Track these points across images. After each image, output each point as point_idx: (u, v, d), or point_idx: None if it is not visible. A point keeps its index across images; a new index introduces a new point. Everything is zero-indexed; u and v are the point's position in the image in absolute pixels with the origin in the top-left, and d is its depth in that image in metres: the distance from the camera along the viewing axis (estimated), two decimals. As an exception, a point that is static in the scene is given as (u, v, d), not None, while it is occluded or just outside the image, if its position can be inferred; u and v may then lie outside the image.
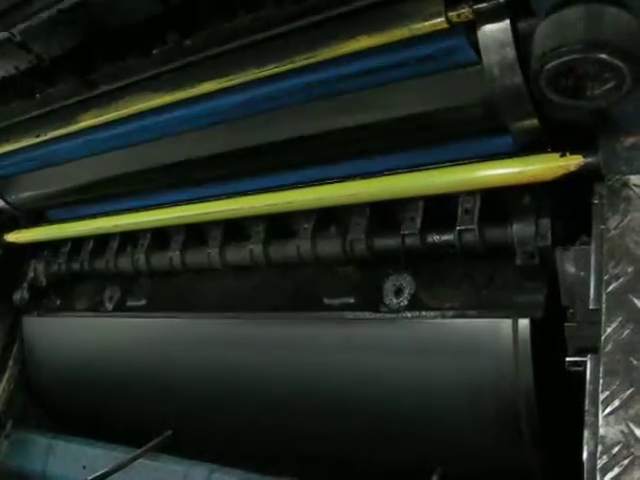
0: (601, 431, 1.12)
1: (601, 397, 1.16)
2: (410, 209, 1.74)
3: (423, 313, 1.74)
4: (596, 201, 1.42)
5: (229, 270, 2.15)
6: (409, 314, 1.76)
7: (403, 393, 1.76)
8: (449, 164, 1.65)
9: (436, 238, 1.70)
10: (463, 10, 1.31)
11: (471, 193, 1.64)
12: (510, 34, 1.32)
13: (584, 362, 1.28)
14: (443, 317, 1.69)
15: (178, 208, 2.18)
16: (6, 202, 2.58)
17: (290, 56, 1.54)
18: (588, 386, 1.23)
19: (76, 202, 2.49)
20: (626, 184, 1.36)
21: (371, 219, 1.81)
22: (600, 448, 1.11)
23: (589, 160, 1.43)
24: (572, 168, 1.45)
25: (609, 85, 1.19)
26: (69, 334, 2.62)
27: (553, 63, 1.16)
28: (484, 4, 1.29)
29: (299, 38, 1.53)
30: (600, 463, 1.10)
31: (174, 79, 1.73)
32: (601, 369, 1.19)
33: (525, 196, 1.59)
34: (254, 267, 2.06)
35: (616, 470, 1.08)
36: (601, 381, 1.18)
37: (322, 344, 1.92)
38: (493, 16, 1.32)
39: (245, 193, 2.02)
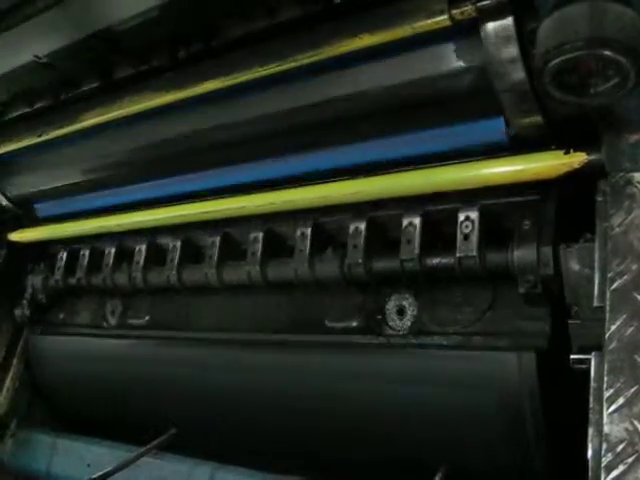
0: (605, 429, 1.12)
1: (605, 395, 1.16)
2: (407, 232, 1.70)
3: (427, 340, 1.74)
4: (600, 198, 1.42)
5: (228, 288, 2.12)
6: (414, 340, 1.76)
7: (405, 418, 1.76)
8: (450, 162, 1.64)
9: (435, 262, 1.68)
10: (466, 7, 1.31)
11: (468, 217, 1.61)
12: (513, 31, 1.32)
13: (588, 360, 1.28)
14: (448, 344, 1.70)
15: (178, 207, 2.18)
16: (9, 200, 2.59)
17: (293, 54, 1.54)
18: (592, 384, 1.23)
19: (78, 198, 2.48)
20: (630, 181, 1.36)
21: (368, 240, 1.78)
22: (605, 446, 1.11)
23: (593, 157, 1.43)
24: (576, 165, 1.45)
25: (613, 82, 1.18)
26: (73, 349, 2.63)
27: (556, 60, 1.15)
28: (487, 1, 1.29)
29: (302, 37, 1.52)
30: (605, 461, 1.10)
31: (177, 78, 1.73)
32: (605, 367, 1.19)
33: (525, 220, 1.56)
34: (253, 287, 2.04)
35: (621, 468, 1.08)
36: (605, 379, 1.18)
37: (325, 368, 1.92)
38: (496, 13, 1.31)
39: (244, 188, 2.02)
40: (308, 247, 1.88)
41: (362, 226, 1.79)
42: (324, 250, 1.87)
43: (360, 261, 1.77)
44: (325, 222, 1.91)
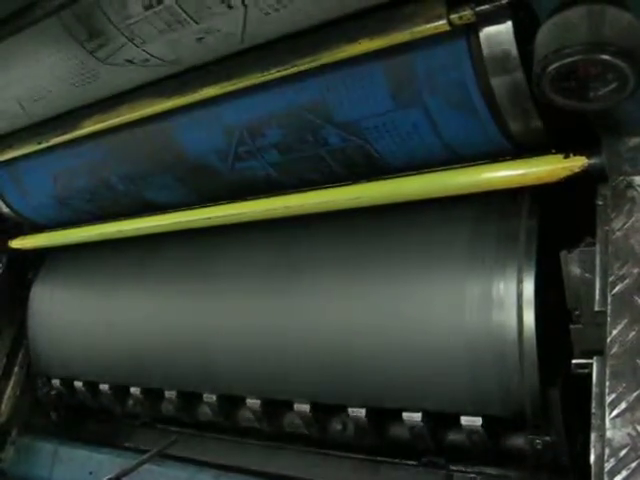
0: (608, 434, 1.12)
1: (608, 400, 1.15)
2: (414, 433, 1.75)
3: None
4: (600, 202, 1.42)
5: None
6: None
7: None
8: (452, 167, 1.64)
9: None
10: (465, 12, 1.30)
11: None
12: (512, 36, 1.32)
13: (590, 364, 1.28)
14: None
15: (179, 213, 2.18)
16: (11, 209, 2.59)
17: (292, 60, 1.54)
18: (594, 389, 1.23)
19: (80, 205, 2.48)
20: (630, 185, 1.36)
21: (370, 432, 1.86)
22: (607, 451, 1.10)
23: (593, 161, 1.43)
24: (576, 169, 1.45)
25: (612, 86, 1.18)
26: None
27: (555, 65, 1.15)
28: (486, 6, 1.29)
29: (301, 42, 1.52)
30: (608, 466, 1.09)
31: (176, 84, 1.73)
32: (607, 371, 1.18)
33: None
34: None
35: (624, 473, 1.08)
36: (607, 383, 1.17)
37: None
38: (495, 18, 1.32)
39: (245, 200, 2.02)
40: (315, 431, 1.98)
41: (361, 416, 1.83)
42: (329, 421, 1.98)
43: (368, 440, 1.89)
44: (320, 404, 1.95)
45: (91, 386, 2.53)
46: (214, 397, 2.15)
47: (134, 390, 2.36)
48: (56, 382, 2.65)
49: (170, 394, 2.27)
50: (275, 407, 2.06)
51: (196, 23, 1.44)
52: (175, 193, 2.16)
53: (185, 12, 1.42)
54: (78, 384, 2.56)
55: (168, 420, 2.40)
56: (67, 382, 2.62)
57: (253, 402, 2.05)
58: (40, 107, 1.94)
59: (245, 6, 1.38)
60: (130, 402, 2.44)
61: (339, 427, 1.95)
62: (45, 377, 2.71)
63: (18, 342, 2.81)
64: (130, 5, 1.44)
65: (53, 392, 2.69)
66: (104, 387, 2.45)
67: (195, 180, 2.05)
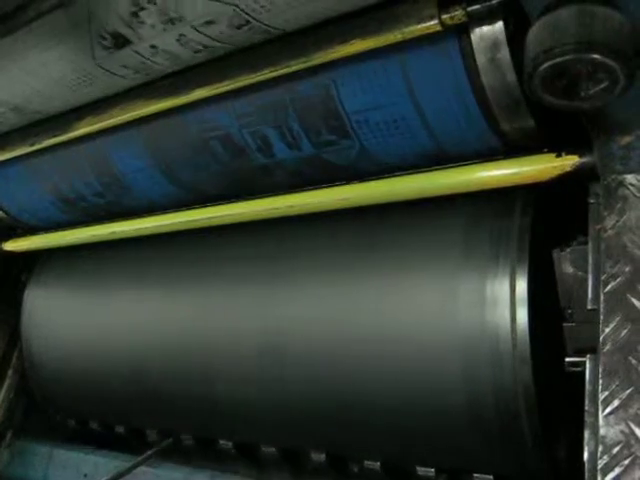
0: (601, 431, 1.12)
1: (601, 397, 1.16)
2: None
3: None
4: (592, 201, 1.43)
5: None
6: None
7: None
8: (444, 166, 1.64)
9: None
10: (456, 12, 1.31)
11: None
12: (504, 36, 1.33)
13: (583, 362, 1.28)
14: None
15: (178, 214, 2.17)
16: (3, 211, 2.58)
17: (284, 61, 1.54)
18: (587, 386, 1.23)
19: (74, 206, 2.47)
20: (622, 183, 1.36)
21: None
22: (601, 448, 1.11)
23: (585, 160, 1.44)
24: (568, 168, 1.46)
25: (603, 85, 1.18)
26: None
27: (546, 64, 1.16)
28: (477, 6, 1.30)
29: (293, 42, 1.52)
30: (601, 463, 1.10)
31: (168, 85, 1.73)
32: (600, 369, 1.19)
33: None
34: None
35: (617, 470, 1.08)
36: (600, 381, 1.18)
37: None
38: (486, 18, 1.32)
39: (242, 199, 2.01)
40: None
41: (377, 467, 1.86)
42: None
43: None
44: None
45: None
46: (230, 444, 2.16)
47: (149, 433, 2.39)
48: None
49: (186, 437, 2.28)
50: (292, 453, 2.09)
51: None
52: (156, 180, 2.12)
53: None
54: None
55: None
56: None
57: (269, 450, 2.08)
58: (33, 109, 1.93)
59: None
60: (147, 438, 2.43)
61: (355, 470, 1.98)
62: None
63: (12, 345, 2.80)
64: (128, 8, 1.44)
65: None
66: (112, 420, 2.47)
67: (161, 141, 1.98)
